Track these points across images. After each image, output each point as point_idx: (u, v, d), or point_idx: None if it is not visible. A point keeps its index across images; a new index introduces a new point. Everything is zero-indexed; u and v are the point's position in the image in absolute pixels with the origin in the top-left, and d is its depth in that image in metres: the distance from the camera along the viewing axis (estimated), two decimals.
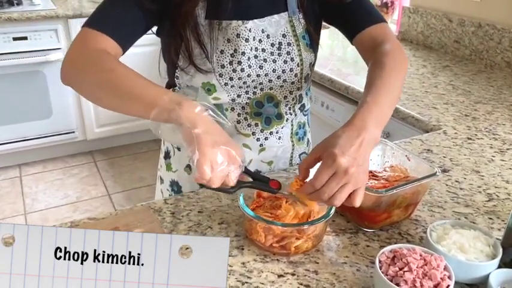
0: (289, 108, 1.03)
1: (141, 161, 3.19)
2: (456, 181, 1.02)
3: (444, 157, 1.14)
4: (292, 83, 0.99)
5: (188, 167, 1.04)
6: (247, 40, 0.92)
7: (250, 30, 0.92)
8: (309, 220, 0.78)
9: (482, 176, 1.05)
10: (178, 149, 1.05)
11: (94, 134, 3.14)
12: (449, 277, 0.65)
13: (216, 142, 0.69)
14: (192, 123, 0.69)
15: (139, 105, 0.74)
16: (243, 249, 0.78)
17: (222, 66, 0.92)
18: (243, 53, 0.92)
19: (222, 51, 0.91)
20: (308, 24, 0.97)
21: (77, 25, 2.80)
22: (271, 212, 0.79)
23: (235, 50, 0.92)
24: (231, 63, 0.92)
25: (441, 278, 0.65)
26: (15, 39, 2.68)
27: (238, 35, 0.91)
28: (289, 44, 0.95)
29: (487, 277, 0.69)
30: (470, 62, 2.00)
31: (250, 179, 0.78)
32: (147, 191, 2.85)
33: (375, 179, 0.88)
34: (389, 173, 0.90)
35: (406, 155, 0.91)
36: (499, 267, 0.71)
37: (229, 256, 0.77)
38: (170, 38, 0.93)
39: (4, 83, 2.74)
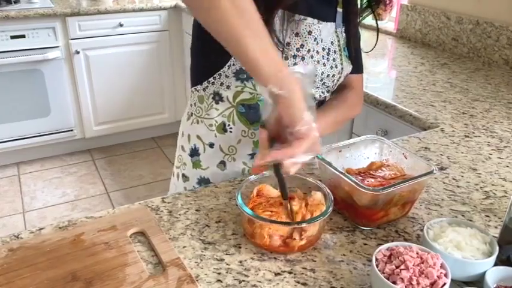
0: (316, 105, 1.04)
1: (140, 159, 3.19)
2: (453, 179, 1.03)
3: (441, 155, 1.14)
4: (328, 86, 1.03)
5: (222, 163, 1.03)
6: (315, 39, 0.95)
7: (320, 31, 0.95)
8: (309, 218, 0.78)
9: (480, 173, 1.05)
10: (210, 146, 1.03)
11: (92, 132, 3.13)
12: (445, 275, 0.66)
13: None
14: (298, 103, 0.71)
15: (262, 56, 0.70)
16: (240, 247, 0.79)
17: (285, 58, 0.93)
18: (309, 50, 0.94)
19: (288, 44, 0.93)
20: (348, 39, 1.04)
21: (74, 23, 2.79)
22: (271, 210, 0.79)
23: (301, 46, 0.94)
24: (294, 56, 0.93)
25: (438, 276, 0.65)
26: (12, 37, 2.67)
27: (310, 32, 0.94)
28: (334, 52, 1.00)
29: (483, 275, 0.69)
30: (468, 60, 2.00)
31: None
32: (146, 189, 2.85)
33: (372, 177, 0.88)
34: (385, 172, 0.91)
35: (403, 153, 0.91)
36: (496, 264, 0.71)
37: (227, 254, 0.77)
38: None
39: (2, 82, 2.73)
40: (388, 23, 2.53)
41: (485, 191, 0.98)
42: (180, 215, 0.87)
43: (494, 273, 0.69)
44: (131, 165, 3.11)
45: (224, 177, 1.04)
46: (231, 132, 1.01)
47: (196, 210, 0.88)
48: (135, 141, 3.37)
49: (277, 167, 0.74)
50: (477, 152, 1.16)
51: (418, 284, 0.64)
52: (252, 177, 0.85)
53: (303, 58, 0.94)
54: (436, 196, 0.96)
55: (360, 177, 0.87)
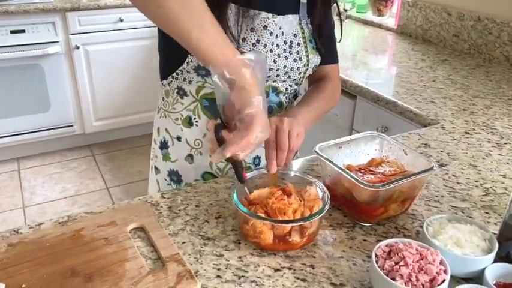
0: (287, 98, 1.06)
1: (140, 154, 3.18)
2: (453, 175, 1.03)
3: (442, 151, 1.14)
4: (294, 79, 1.02)
5: (189, 157, 1.04)
6: (271, 33, 0.94)
7: (276, 25, 0.94)
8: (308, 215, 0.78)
9: (480, 170, 1.05)
10: (178, 139, 1.05)
11: (92, 127, 3.13)
12: (445, 271, 0.66)
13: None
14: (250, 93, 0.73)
15: (211, 46, 0.73)
16: (239, 243, 0.79)
17: (241, 53, 0.92)
18: (265, 45, 0.94)
19: (243, 39, 0.92)
20: (314, 31, 1.02)
21: (74, 18, 2.78)
22: (265, 210, 0.79)
23: (257, 41, 0.93)
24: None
25: (437, 273, 0.65)
26: (12, 32, 2.66)
27: (265, 27, 0.93)
28: (298, 44, 0.99)
29: (482, 271, 0.69)
30: (469, 56, 2.00)
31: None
32: (146, 184, 2.83)
33: (372, 174, 0.88)
34: (385, 168, 0.90)
35: (403, 150, 0.91)
36: (495, 261, 0.71)
37: (226, 250, 0.77)
38: None
39: (2, 77, 2.73)
40: (389, 19, 2.52)
41: (485, 188, 0.98)
42: (179, 210, 0.87)
43: (493, 270, 0.69)
44: (131, 161, 3.10)
45: (193, 171, 1.05)
46: (196, 125, 1.02)
47: (196, 205, 0.88)
48: (135, 137, 3.36)
49: (230, 158, 0.76)
50: (477, 148, 1.16)
51: (418, 280, 0.64)
52: (248, 175, 0.85)
53: None
54: (436, 193, 0.96)
55: (360, 174, 0.87)
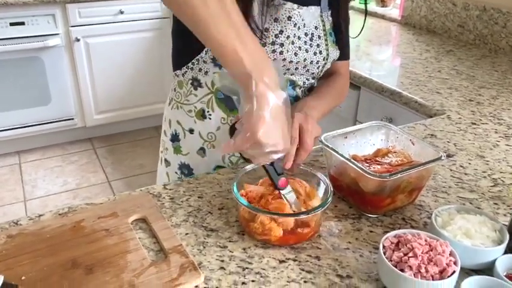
0: (303, 92, 1.03)
1: (141, 147, 3.17)
2: (461, 166, 1.01)
3: (448, 142, 1.12)
4: (313, 73, 1.00)
5: (201, 150, 1.02)
6: (295, 25, 0.91)
7: (300, 16, 0.92)
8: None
9: (487, 161, 1.03)
10: (190, 132, 1.02)
11: (93, 120, 3.11)
12: (455, 263, 0.64)
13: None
14: (261, 104, 0.65)
15: (219, 42, 0.66)
16: (243, 234, 0.77)
17: (263, 45, 0.90)
18: (288, 37, 0.91)
19: (266, 29, 0.89)
20: (335, 24, 1.00)
21: (74, 10, 2.76)
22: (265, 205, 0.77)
23: (280, 32, 0.90)
24: (273, 43, 0.90)
25: (447, 264, 0.63)
26: (12, 24, 2.64)
27: (289, 18, 0.90)
28: (319, 37, 0.97)
29: (493, 263, 0.67)
30: (474, 47, 1.97)
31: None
32: (147, 178, 2.84)
33: (378, 164, 0.86)
34: (392, 158, 0.89)
35: (410, 139, 0.89)
36: (505, 252, 0.69)
37: (230, 242, 0.75)
38: None
39: (1, 69, 2.71)
40: (393, 9, 2.49)
41: (493, 179, 0.96)
42: (182, 201, 0.85)
43: (504, 261, 0.68)
44: (132, 154, 3.09)
45: (204, 164, 1.02)
46: (210, 118, 0.98)
47: (199, 197, 0.87)
48: (136, 130, 3.34)
49: (245, 158, 0.73)
50: (484, 139, 1.14)
51: (427, 271, 0.62)
52: (249, 167, 0.83)
53: (281, 44, 0.90)
54: (443, 183, 0.94)
55: (366, 164, 0.85)
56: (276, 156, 0.70)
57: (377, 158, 0.89)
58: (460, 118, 1.26)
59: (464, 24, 2.03)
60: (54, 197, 2.63)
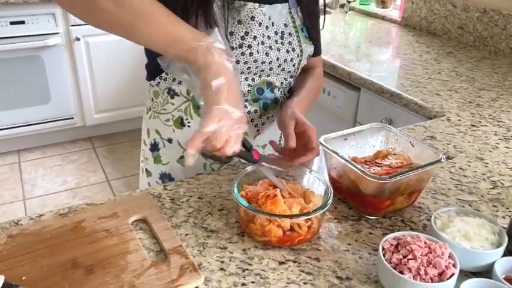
0: (282, 93, 1.02)
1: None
2: (460, 168, 1.01)
3: (448, 144, 1.12)
4: (289, 71, 0.99)
5: (182, 159, 1.01)
6: (260, 24, 0.90)
7: (264, 15, 0.90)
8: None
9: (487, 163, 1.04)
10: (169, 141, 1.01)
11: (93, 120, 3.11)
12: (454, 265, 0.64)
13: (228, 100, 0.70)
14: (213, 73, 0.70)
15: (158, 33, 0.71)
16: (243, 235, 0.77)
17: (231, 49, 0.88)
18: (255, 37, 0.90)
19: (231, 33, 0.88)
20: (305, 19, 0.98)
21: None
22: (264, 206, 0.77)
23: (246, 33, 0.89)
24: (240, 46, 0.89)
25: (446, 266, 0.63)
26: (12, 23, 2.64)
27: (252, 18, 0.89)
28: (290, 34, 0.95)
29: (492, 265, 0.67)
30: (474, 49, 1.97)
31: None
32: None
33: (378, 166, 0.87)
34: (392, 160, 0.89)
35: (410, 141, 0.89)
36: (504, 255, 0.70)
37: (230, 243, 0.75)
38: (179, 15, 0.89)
39: (1, 68, 2.71)
40: (393, 11, 2.49)
41: (493, 181, 0.96)
42: (182, 202, 0.85)
43: (503, 264, 0.68)
44: (132, 154, 3.09)
45: (185, 173, 1.01)
46: (189, 126, 0.97)
47: (199, 197, 0.87)
48: (136, 130, 3.34)
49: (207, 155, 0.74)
50: (484, 141, 1.14)
51: (426, 274, 0.63)
52: (249, 168, 0.83)
53: (249, 46, 0.89)
54: (443, 185, 0.94)
55: (366, 166, 0.85)
56: (242, 130, 0.73)
57: (377, 160, 0.89)
58: (459, 120, 1.26)
59: (464, 26, 2.03)
60: (54, 196, 2.63)
